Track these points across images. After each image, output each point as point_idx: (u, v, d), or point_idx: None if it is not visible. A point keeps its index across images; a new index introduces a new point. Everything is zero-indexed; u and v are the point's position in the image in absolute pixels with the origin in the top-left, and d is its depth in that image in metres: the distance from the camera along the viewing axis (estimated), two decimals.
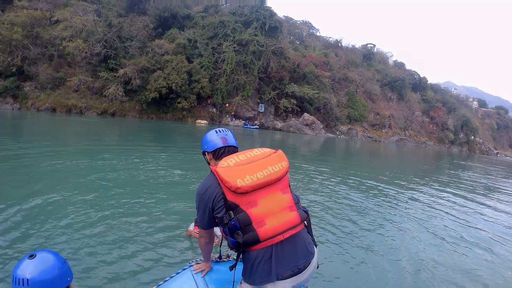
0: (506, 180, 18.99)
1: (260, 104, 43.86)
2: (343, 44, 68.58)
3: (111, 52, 34.53)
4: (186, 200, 5.89)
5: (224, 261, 2.41)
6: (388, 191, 9.28)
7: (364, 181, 10.38)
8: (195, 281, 2.14)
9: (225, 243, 1.89)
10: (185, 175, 8.11)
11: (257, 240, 1.66)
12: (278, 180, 1.79)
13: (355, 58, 64.32)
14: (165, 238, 4.27)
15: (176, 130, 25.67)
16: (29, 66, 32.44)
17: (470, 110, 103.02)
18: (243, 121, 40.89)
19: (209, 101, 39.01)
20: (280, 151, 1.92)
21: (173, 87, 33.86)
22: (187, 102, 35.36)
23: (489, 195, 11.57)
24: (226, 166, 1.73)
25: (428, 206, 7.98)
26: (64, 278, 1.48)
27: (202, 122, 36.11)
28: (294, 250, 1.74)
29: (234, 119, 40.66)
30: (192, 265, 2.32)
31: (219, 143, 2.00)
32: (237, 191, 1.66)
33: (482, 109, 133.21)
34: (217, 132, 2.06)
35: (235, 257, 1.96)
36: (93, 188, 6.03)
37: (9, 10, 33.78)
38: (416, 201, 8.44)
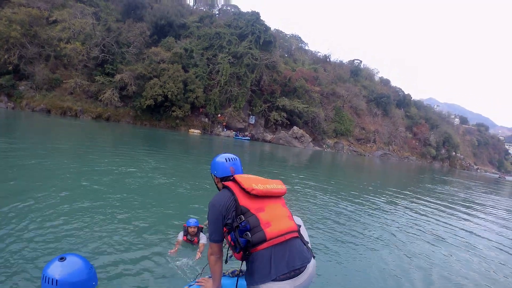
0: (484, 194, 21.75)
1: (251, 116, 46.35)
2: (331, 59, 71.70)
3: (109, 56, 35.97)
4: (176, 205, 6.65)
5: (238, 275, 2.54)
6: (373, 201, 10.82)
7: (350, 192, 11.93)
8: None
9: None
10: (177, 182, 8.93)
11: (264, 239, 2.00)
12: (280, 195, 2.27)
13: (343, 74, 67.84)
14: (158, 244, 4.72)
15: (170, 138, 27.19)
16: (25, 65, 33.33)
17: (452, 126, 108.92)
18: (234, 132, 43.08)
19: (201, 110, 40.94)
20: (279, 180, 2.41)
21: (169, 96, 35.59)
22: (181, 111, 37.19)
23: (469, 207, 13.73)
24: (242, 176, 2.24)
25: (410, 216, 9.46)
26: (89, 282, 1.59)
27: (195, 131, 38.13)
28: (291, 252, 2.03)
29: (225, 129, 42.80)
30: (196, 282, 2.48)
31: (228, 172, 2.44)
32: (251, 193, 2.08)
33: (464, 125, 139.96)
34: (227, 161, 2.47)
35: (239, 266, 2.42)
36: (75, 191, 6.52)
37: (5, 6, 34.18)
38: (398, 212, 9.91)
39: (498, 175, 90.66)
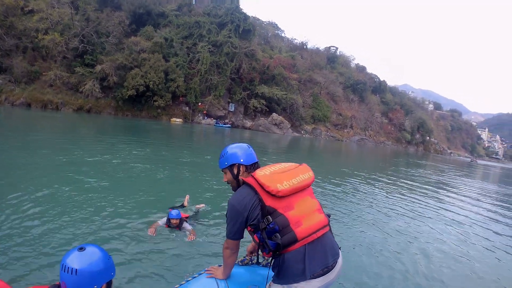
0: (458, 177, 24.00)
1: (231, 104, 48.43)
2: (308, 46, 74.08)
3: (89, 47, 36.76)
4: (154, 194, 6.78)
5: (247, 264, 2.61)
6: (350, 182, 11.75)
7: (328, 175, 12.47)
8: (216, 283, 2.30)
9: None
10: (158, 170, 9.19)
11: (295, 240, 1.93)
12: (308, 186, 2.15)
13: (320, 61, 70.48)
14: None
15: (154, 127, 28.01)
16: (2, 58, 33.75)
17: (426, 112, 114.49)
18: (214, 120, 45.03)
19: (181, 99, 42.54)
20: (303, 164, 2.25)
21: (151, 86, 36.98)
22: (163, 101, 38.77)
23: (442, 187, 15.19)
24: (264, 174, 2.03)
25: (386, 196, 10.24)
26: (108, 272, 1.69)
27: (177, 120, 39.79)
28: (324, 249, 2.01)
29: (206, 117, 44.65)
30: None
31: (255, 158, 2.30)
32: (277, 195, 1.95)
33: (437, 111, 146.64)
34: (248, 147, 2.32)
35: (264, 264, 2.51)
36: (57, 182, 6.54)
37: None
38: (375, 192, 10.75)
39: (470, 159, 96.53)
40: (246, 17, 47.71)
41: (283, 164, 2.22)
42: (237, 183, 2.26)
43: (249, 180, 2.06)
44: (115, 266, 2.67)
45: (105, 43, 38.35)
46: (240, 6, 47.47)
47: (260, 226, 1.98)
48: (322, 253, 1.99)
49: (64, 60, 36.66)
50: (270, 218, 1.94)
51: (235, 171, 2.26)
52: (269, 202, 1.97)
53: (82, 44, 36.33)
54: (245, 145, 2.33)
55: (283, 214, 1.95)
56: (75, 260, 1.58)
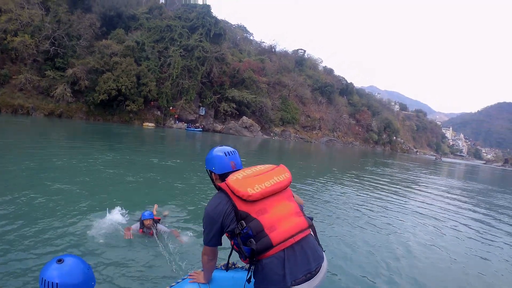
0: (423, 174, 26.42)
1: (201, 108, 50.42)
2: (276, 50, 76.88)
3: (60, 50, 37.09)
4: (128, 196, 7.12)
5: (230, 268, 2.65)
6: (320, 181, 12.34)
7: (297, 176, 13.10)
8: (199, 287, 2.38)
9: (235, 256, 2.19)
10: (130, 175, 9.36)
11: (270, 245, 1.88)
12: (283, 188, 2.11)
13: (288, 64, 73.61)
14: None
15: (126, 132, 28.67)
16: None
17: (392, 113, 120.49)
18: (185, 124, 46.77)
19: (152, 103, 43.89)
20: (282, 165, 2.25)
21: (123, 90, 37.99)
22: (135, 105, 39.97)
23: (407, 185, 16.43)
24: (235, 179, 2.03)
25: (355, 193, 10.95)
26: (89, 283, 1.66)
27: (150, 125, 41.18)
28: (305, 253, 1.94)
29: (177, 121, 46.37)
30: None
31: (228, 168, 2.28)
32: (248, 199, 1.94)
33: (403, 112, 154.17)
34: (226, 155, 2.30)
35: (247, 268, 2.37)
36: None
37: None
38: (344, 189, 11.41)
39: (435, 157, 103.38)
40: (217, 21, 49.73)
41: (258, 166, 2.22)
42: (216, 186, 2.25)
43: (222, 185, 2.07)
44: (105, 274, 2.89)
45: (76, 46, 38.72)
46: (211, 11, 49.21)
47: (235, 231, 1.98)
48: (303, 258, 1.92)
49: (35, 64, 36.71)
50: (244, 223, 1.93)
51: (214, 178, 2.36)
52: (242, 207, 1.96)
53: (53, 47, 36.55)
54: (227, 150, 2.34)
55: (256, 218, 1.93)
56: (55, 274, 1.56)
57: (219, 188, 2.13)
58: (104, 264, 4.02)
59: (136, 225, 5.08)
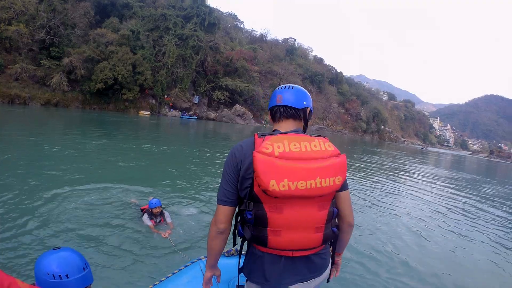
0: (410, 162, 28.68)
1: (195, 96, 52.28)
2: (267, 38, 78.70)
3: (55, 39, 37.89)
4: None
5: (233, 255, 2.59)
6: None
7: None
8: (203, 274, 2.14)
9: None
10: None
11: (264, 245, 1.62)
12: (319, 196, 1.54)
13: (279, 53, 75.85)
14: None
15: (124, 120, 29.80)
16: None
17: (381, 102, 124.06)
18: (180, 112, 48.59)
19: (147, 91, 45.38)
20: (343, 157, 1.59)
21: (119, 79, 39.30)
22: (131, 94, 41.42)
23: (396, 171, 18.33)
24: (269, 153, 1.47)
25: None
26: (89, 274, 1.68)
27: (145, 113, 42.88)
28: (300, 267, 1.67)
29: (172, 109, 48.05)
30: (201, 259, 2.52)
31: (274, 101, 1.79)
32: (265, 192, 1.48)
33: (392, 101, 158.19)
34: (279, 88, 1.82)
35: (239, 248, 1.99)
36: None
37: None
38: None
39: (421, 147, 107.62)
40: (211, 10, 51.33)
41: (316, 141, 1.56)
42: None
43: (257, 143, 1.57)
44: (99, 264, 3.18)
45: (71, 35, 39.55)
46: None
47: (241, 205, 1.66)
48: (295, 271, 1.65)
49: (30, 53, 37.37)
50: (251, 205, 1.57)
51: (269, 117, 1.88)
52: (257, 189, 1.51)
53: (49, 36, 37.30)
54: (284, 85, 1.82)
55: (267, 213, 1.54)
56: (53, 265, 1.55)
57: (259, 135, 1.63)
58: (108, 252, 4.17)
59: (146, 218, 5.10)
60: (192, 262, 2.53)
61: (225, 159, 1.68)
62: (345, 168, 1.58)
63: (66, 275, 1.56)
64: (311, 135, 1.61)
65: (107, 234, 4.65)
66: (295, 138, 1.55)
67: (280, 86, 1.83)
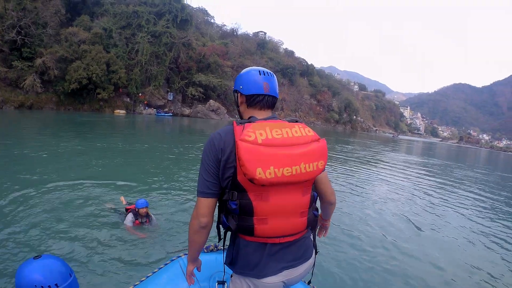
0: (382, 150, 30.77)
1: (169, 93, 53.63)
2: (238, 33, 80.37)
3: (27, 39, 37.69)
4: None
5: (212, 251, 2.62)
6: None
7: None
8: (183, 272, 2.31)
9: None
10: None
11: (250, 234, 1.60)
12: (305, 181, 1.60)
13: (250, 47, 77.81)
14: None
15: (100, 120, 30.35)
16: None
17: (352, 93, 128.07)
18: (155, 109, 49.75)
19: (120, 90, 46.03)
20: (323, 142, 1.66)
21: (93, 78, 39.76)
22: (106, 93, 41.98)
23: (370, 159, 19.89)
24: (252, 141, 1.47)
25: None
26: (75, 281, 1.65)
27: (121, 112, 43.85)
28: (286, 253, 1.68)
29: (146, 107, 49.22)
30: (181, 257, 2.52)
31: (260, 89, 1.71)
32: (252, 181, 1.47)
33: (362, 92, 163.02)
34: (260, 74, 1.74)
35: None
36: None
37: None
38: None
39: (392, 135, 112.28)
40: (183, 6, 52.31)
41: (296, 127, 1.59)
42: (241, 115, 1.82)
43: (236, 131, 1.55)
44: (78, 270, 3.26)
45: (43, 35, 39.42)
46: None
47: (223, 195, 1.62)
48: (283, 256, 1.66)
49: (0, 54, 37.15)
50: (235, 195, 1.56)
51: (239, 100, 1.79)
52: (241, 178, 1.51)
53: (20, 36, 37.03)
54: (262, 70, 1.75)
55: (252, 202, 1.54)
56: (39, 275, 1.51)
57: (238, 122, 1.61)
58: (100, 258, 4.19)
59: (129, 218, 5.00)
60: (172, 260, 2.53)
61: (203, 149, 1.62)
62: (326, 152, 1.64)
63: (56, 284, 1.53)
64: (289, 121, 1.63)
65: (84, 238, 4.66)
66: (276, 124, 1.55)
67: (259, 70, 1.74)
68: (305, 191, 1.63)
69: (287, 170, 1.47)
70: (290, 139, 1.52)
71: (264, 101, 1.72)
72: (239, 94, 1.77)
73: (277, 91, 1.79)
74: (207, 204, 1.60)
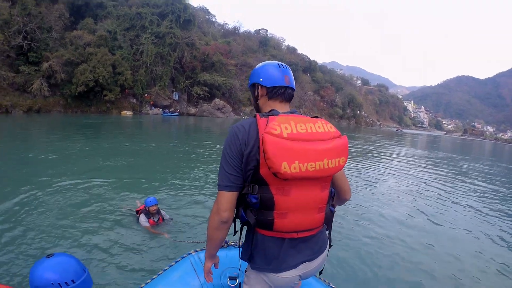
0: (387, 144, 31.36)
1: (175, 93, 54.35)
2: (240, 31, 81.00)
3: (33, 44, 38.49)
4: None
5: (223, 247, 2.58)
6: None
7: None
8: (194, 269, 2.32)
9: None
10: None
11: (269, 228, 1.62)
12: (327, 176, 1.63)
13: (252, 45, 78.61)
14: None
15: (109, 121, 30.97)
16: None
17: (355, 88, 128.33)
18: (161, 110, 50.43)
19: (127, 91, 46.70)
20: (345, 138, 1.68)
21: (100, 80, 40.50)
22: (113, 94, 42.71)
23: (376, 152, 20.88)
24: (278, 134, 1.48)
25: None
26: (89, 279, 1.70)
27: (128, 113, 44.53)
28: (304, 248, 1.72)
29: (153, 108, 49.91)
30: (191, 254, 2.54)
31: (281, 81, 1.73)
32: (276, 175, 1.49)
33: (366, 86, 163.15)
34: (279, 67, 1.77)
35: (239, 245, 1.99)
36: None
37: None
38: None
39: (396, 129, 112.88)
40: (186, 7, 52.92)
41: (319, 123, 1.62)
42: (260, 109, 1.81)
43: (260, 124, 1.55)
44: (97, 261, 3.44)
45: (48, 39, 40.18)
46: None
47: (242, 189, 1.62)
48: (300, 251, 1.70)
49: (7, 59, 37.70)
50: (256, 189, 1.56)
51: (259, 93, 1.77)
52: (264, 171, 1.52)
53: (26, 41, 37.77)
54: (278, 62, 1.78)
55: (274, 196, 1.55)
56: (54, 273, 1.55)
57: (260, 116, 1.61)
58: (104, 251, 4.30)
59: (143, 218, 5.10)
60: (183, 257, 2.52)
61: (224, 141, 1.61)
62: (347, 149, 1.67)
63: (72, 281, 1.57)
64: (312, 117, 1.65)
65: (99, 237, 4.71)
66: (299, 119, 1.56)
67: (277, 63, 1.78)
68: (324, 186, 1.67)
69: (311, 165, 1.50)
70: (314, 134, 1.55)
71: (286, 93, 1.75)
72: (259, 86, 1.77)
73: (294, 84, 1.82)
74: (229, 198, 1.60)
